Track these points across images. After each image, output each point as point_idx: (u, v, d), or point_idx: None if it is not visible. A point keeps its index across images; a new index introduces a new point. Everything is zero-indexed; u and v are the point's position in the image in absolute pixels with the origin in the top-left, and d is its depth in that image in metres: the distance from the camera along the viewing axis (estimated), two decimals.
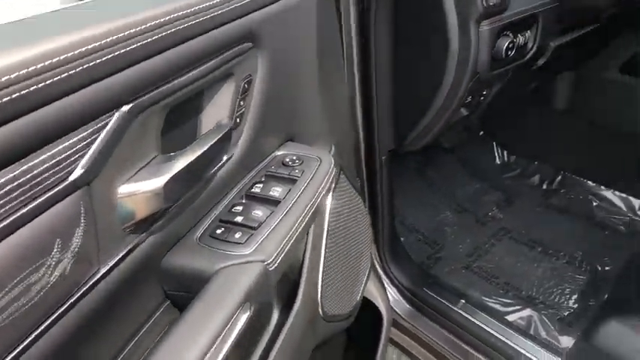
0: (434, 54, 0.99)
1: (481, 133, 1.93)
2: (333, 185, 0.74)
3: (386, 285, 1.36)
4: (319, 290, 0.73)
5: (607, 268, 1.36)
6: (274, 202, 0.56)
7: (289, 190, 0.58)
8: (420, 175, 1.77)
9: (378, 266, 1.35)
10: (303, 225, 0.57)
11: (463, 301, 1.28)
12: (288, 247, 0.54)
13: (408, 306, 1.34)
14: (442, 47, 0.96)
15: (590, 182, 1.64)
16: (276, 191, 0.57)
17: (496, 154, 1.87)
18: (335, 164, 0.73)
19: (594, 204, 1.60)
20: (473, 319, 1.23)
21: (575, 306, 1.28)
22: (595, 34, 1.34)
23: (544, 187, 1.72)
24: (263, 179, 0.60)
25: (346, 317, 0.91)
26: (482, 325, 1.22)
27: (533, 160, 1.79)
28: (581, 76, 1.60)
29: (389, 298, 1.30)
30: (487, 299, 1.33)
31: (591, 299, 1.28)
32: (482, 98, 1.13)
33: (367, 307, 1.14)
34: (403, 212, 1.62)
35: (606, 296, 1.26)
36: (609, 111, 1.57)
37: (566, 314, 1.26)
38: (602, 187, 1.61)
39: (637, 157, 1.49)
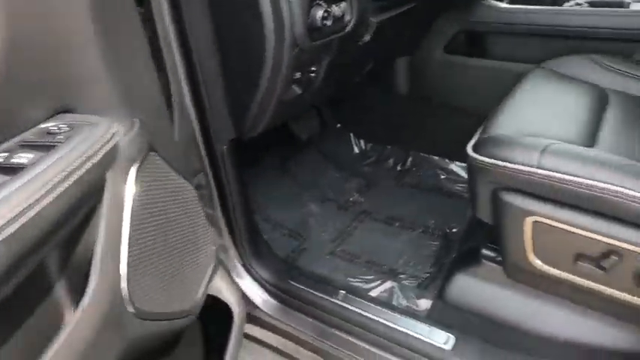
0: (250, 28, 0.97)
1: (338, 125, 1.97)
2: (132, 164, 0.66)
3: (249, 283, 1.30)
4: (126, 284, 0.65)
5: (454, 230, 1.45)
6: (16, 170, 0.47)
7: (41, 157, 0.49)
8: (284, 171, 1.76)
9: (238, 264, 1.29)
10: (60, 197, 0.49)
11: (330, 287, 1.26)
12: (27, 220, 0.44)
13: (275, 302, 1.29)
14: (257, 20, 0.94)
15: (436, 157, 1.75)
16: (24, 158, 0.48)
17: (353, 144, 1.92)
18: (135, 140, 0.66)
19: (442, 177, 1.71)
20: (339, 302, 1.22)
21: (432, 270, 1.33)
22: (416, 13, 1.43)
23: (398, 168, 1.81)
24: (12, 148, 0.51)
25: (183, 315, 0.83)
26: (347, 306, 1.21)
27: (387, 145, 1.87)
28: (414, 58, 1.71)
29: (243, 295, 1.25)
30: (351, 279, 1.33)
31: (444, 260, 1.34)
32: (312, 74, 1.14)
33: (217, 305, 1.06)
34: (267, 209, 1.58)
35: (454, 255, 1.33)
36: (442, 89, 1.69)
37: (423, 279, 1.30)
38: (447, 160, 1.73)
39: (470, 129, 1.62)
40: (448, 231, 1.45)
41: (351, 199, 1.66)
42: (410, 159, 1.81)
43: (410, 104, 1.79)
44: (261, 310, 1.30)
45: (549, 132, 1.02)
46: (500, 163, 0.96)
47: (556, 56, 1.42)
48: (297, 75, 1.09)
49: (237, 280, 1.30)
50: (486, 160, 0.99)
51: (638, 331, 1.02)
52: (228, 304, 1.08)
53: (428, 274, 1.32)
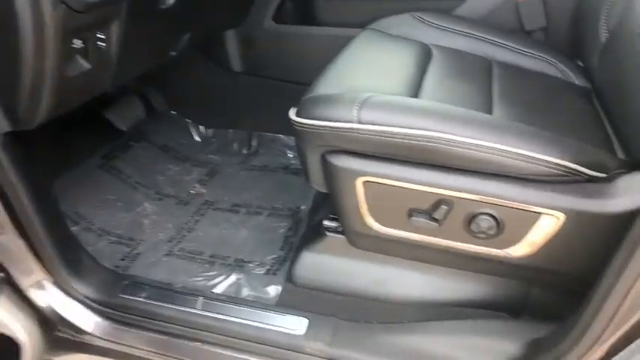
0: None
1: (173, 113, 1.78)
2: None
3: (68, 305, 1.07)
4: None
5: (303, 207, 1.36)
6: None
7: None
8: (108, 171, 1.52)
9: (48, 285, 1.05)
10: None
11: (168, 292, 1.09)
12: None
13: (105, 322, 1.08)
14: None
15: (282, 136, 1.65)
16: None
17: (192, 131, 1.75)
18: None
19: (289, 155, 1.62)
20: (179, 307, 1.06)
21: (281, 253, 1.22)
22: None
23: (244, 152, 1.67)
24: None
25: None
26: (189, 309, 1.05)
27: (229, 128, 1.73)
28: (243, 30, 1.59)
29: (62, 320, 1.03)
30: (193, 279, 1.17)
31: (292, 240, 1.24)
32: (101, 43, 0.94)
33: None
34: (90, 217, 1.34)
35: (302, 232, 1.24)
36: (277, 63, 1.59)
37: (272, 264, 1.19)
38: (292, 137, 1.63)
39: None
40: (297, 209, 1.36)
41: (192, 191, 1.49)
42: (255, 141, 1.68)
43: (247, 82, 1.66)
44: (90, 335, 1.08)
45: (372, 87, 0.95)
46: (320, 123, 0.87)
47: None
48: (78, 43, 0.89)
49: (50, 304, 1.06)
50: (307, 121, 0.89)
51: (480, 279, 1.02)
52: (17, 340, 0.85)
53: (277, 258, 1.21)
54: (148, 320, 1.06)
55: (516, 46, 1.30)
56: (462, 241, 0.90)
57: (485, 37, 1.31)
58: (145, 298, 1.06)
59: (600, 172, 0.81)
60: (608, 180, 0.81)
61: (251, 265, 1.20)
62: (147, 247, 1.27)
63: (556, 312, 0.95)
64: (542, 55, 1.28)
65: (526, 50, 1.29)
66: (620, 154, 0.92)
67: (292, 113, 0.95)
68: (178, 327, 1.04)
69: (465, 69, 1.19)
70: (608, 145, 0.95)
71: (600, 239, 0.82)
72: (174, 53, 1.31)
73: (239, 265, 1.20)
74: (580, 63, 1.30)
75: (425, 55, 1.21)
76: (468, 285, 1.01)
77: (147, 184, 1.50)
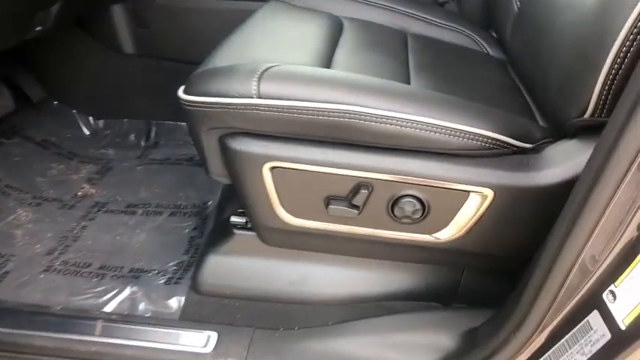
0: None
1: (55, 102, 1.53)
2: None
3: None
4: None
5: (210, 202, 1.20)
6: None
7: None
8: None
9: None
10: None
11: (45, 317, 0.90)
12: None
13: None
14: None
15: (183, 124, 1.47)
16: None
17: (80, 123, 1.51)
18: None
19: (192, 144, 1.44)
20: (57, 335, 0.87)
21: (185, 257, 1.06)
22: None
23: (142, 144, 1.47)
24: None
25: None
26: (71, 336, 0.87)
27: (123, 118, 1.52)
28: (131, 4, 1.38)
29: None
30: (78, 298, 0.97)
31: (199, 242, 1.09)
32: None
33: None
34: None
35: (210, 229, 1.08)
36: (173, 41, 1.41)
37: (174, 272, 1.02)
38: None
39: None
40: (203, 205, 1.20)
41: (79, 193, 1.27)
42: (154, 131, 1.49)
43: (141, 64, 1.46)
44: None
45: (277, 59, 0.82)
46: (213, 99, 0.73)
47: None
48: None
49: None
50: (198, 99, 0.74)
51: (408, 268, 0.93)
52: None
53: (181, 263, 1.04)
54: (13, 355, 0.86)
55: (430, 18, 1.23)
56: (386, 229, 0.80)
57: (399, 8, 1.23)
58: (9, 326, 0.86)
59: (527, 143, 0.75)
60: (536, 151, 0.74)
61: (150, 274, 1.02)
62: (19, 263, 1.04)
63: (488, 297, 0.88)
64: (457, 27, 1.22)
65: (440, 22, 1.23)
66: (542, 124, 0.87)
67: (181, 92, 0.79)
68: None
69: (379, 41, 1.09)
70: (530, 114, 0.90)
71: (531, 215, 0.76)
72: (39, 28, 1.09)
73: (135, 275, 1.02)
74: (493, 34, 1.26)
75: (336, 27, 1.10)
76: (395, 276, 0.92)
77: (21, 187, 1.26)
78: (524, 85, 1.01)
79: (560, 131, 0.77)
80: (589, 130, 0.70)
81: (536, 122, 0.85)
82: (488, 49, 1.20)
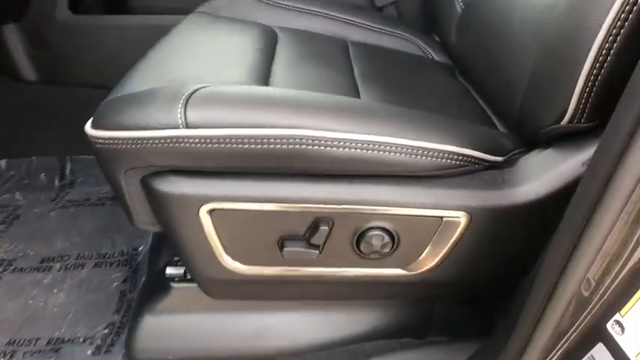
0: None
1: None
2: None
3: None
4: None
5: (141, 247, 1.04)
6: None
7: None
8: None
9: None
10: None
11: None
12: None
13: None
14: None
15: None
16: None
17: None
18: None
19: None
20: None
21: (115, 318, 0.90)
22: None
23: (56, 183, 1.28)
24: None
25: None
26: None
27: (31, 155, 1.31)
28: (28, 24, 1.19)
29: None
30: None
31: (131, 297, 0.93)
32: None
33: None
34: None
35: (143, 281, 0.93)
36: (80, 64, 1.23)
37: (103, 338, 0.86)
38: None
39: None
40: (133, 252, 1.04)
41: None
42: (69, 167, 1.30)
43: (45, 92, 1.27)
44: None
45: (205, 79, 0.69)
46: (129, 134, 0.58)
47: None
48: None
49: None
50: (110, 134, 0.60)
51: (377, 306, 0.82)
52: None
53: (109, 328, 0.88)
54: None
55: (370, 24, 1.15)
56: (352, 266, 0.69)
57: (335, 15, 1.14)
58: None
59: (499, 156, 0.67)
60: (510, 164, 0.67)
61: (73, 344, 0.85)
62: None
63: (464, 327, 0.80)
64: (398, 32, 1.15)
65: (381, 27, 1.15)
66: (504, 131, 0.80)
67: (88, 127, 0.64)
68: None
69: (319, 51, 0.99)
70: (489, 122, 0.83)
71: (509, 235, 0.68)
72: None
73: (54, 348, 0.84)
74: (437, 38, 1.20)
75: (269, 39, 0.99)
76: (363, 315, 0.81)
77: None
78: (476, 90, 0.95)
79: (530, 140, 0.70)
80: (566, 137, 0.64)
81: (501, 131, 0.78)
82: (433, 55, 1.13)
